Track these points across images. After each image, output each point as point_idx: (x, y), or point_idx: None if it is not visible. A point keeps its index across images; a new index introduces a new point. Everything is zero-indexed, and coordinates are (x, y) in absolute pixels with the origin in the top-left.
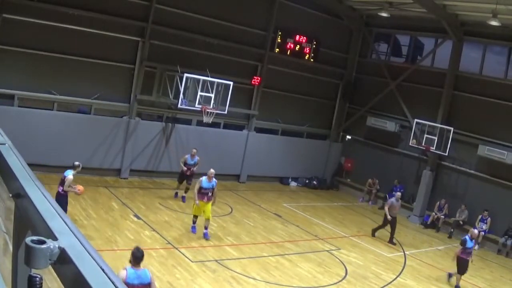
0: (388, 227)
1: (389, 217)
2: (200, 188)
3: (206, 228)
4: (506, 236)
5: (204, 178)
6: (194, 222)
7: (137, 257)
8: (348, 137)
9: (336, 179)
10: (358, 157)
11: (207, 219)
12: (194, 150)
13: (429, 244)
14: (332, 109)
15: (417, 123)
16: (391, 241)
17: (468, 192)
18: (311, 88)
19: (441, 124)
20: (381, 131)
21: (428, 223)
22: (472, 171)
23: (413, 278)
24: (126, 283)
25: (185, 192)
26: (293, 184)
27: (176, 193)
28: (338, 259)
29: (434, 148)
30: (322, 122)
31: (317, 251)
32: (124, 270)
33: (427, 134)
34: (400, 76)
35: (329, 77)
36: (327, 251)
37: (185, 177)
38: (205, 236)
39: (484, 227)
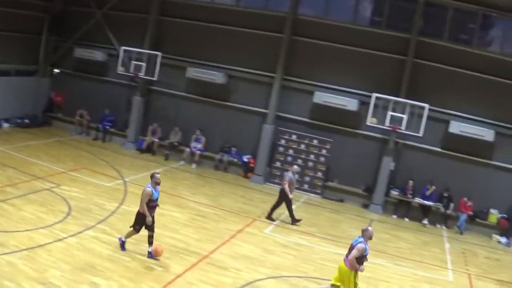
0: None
1: (291, 196)
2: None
3: None
4: (222, 153)
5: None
6: None
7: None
8: (57, 70)
9: (48, 115)
10: (69, 90)
11: None
12: None
13: (147, 169)
14: (39, 44)
15: (124, 50)
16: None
17: (179, 114)
18: (11, 23)
19: (149, 50)
20: (90, 61)
21: (144, 148)
22: (181, 93)
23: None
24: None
25: None
26: (5, 125)
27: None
28: (60, 196)
29: (143, 74)
30: (29, 58)
31: (38, 191)
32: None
33: (135, 60)
34: (106, 5)
35: (32, 10)
36: (47, 189)
37: None
38: None
39: (199, 146)
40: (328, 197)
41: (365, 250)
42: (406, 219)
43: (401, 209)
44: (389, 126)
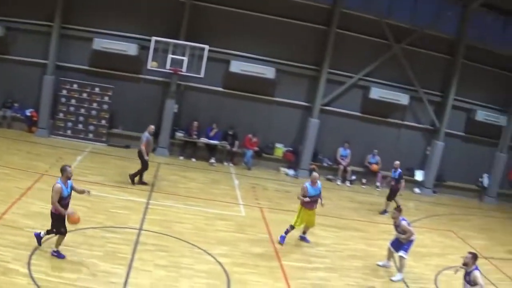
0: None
1: (146, 157)
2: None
3: (305, 233)
4: (4, 109)
5: (308, 184)
6: (287, 232)
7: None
8: None
9: None
10: None
11: (311, 227)
12: None
13: None
14: None
15: None
16: (141, 181)
17: None
18: None
19: None
20: None
21: None
22: None
23: None
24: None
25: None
26: None
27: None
28: None
29: None
30: None
31: None
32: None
33: None
34: None
35: None
36: None
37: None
38: (306, 240)
39: None
40: (114, 144)
41: (306, 189)
42: (193, 160)
43: (188, 150)
44: (170, 69)
